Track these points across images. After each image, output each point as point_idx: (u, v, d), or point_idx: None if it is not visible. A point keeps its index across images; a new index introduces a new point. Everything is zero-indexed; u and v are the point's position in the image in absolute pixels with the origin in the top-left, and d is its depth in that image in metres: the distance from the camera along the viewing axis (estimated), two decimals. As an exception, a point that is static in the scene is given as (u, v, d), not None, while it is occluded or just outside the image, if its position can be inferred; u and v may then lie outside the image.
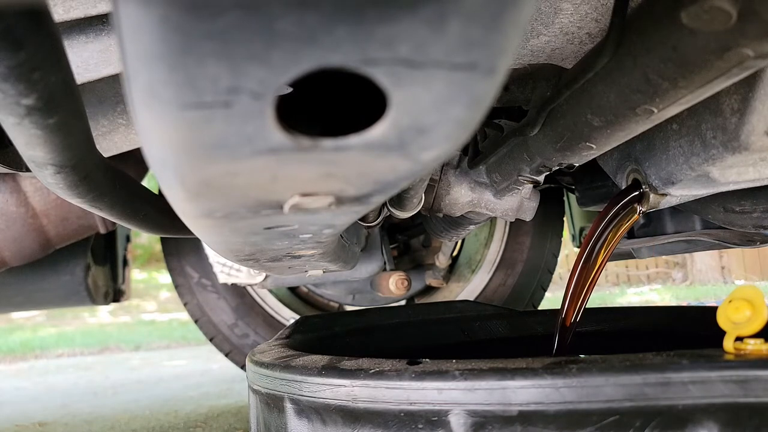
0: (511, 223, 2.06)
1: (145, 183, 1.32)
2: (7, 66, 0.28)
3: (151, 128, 0.23)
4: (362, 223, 1.06)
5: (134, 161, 1.36)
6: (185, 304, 1.97)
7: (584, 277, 0.80)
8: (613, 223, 0.77)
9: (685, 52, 0.42)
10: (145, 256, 8.58)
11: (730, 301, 0.52)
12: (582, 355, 0.54)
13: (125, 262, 1.90)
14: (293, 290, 2.17)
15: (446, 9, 0.19)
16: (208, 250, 1.64)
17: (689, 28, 0.40)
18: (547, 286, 2.11)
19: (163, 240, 1.96)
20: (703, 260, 7.73)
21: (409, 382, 0.53)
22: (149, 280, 8.45)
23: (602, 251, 0.79)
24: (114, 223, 1.42)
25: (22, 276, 1.53)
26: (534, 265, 2.06)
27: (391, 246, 1.94)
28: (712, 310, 0.96)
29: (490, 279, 2.06)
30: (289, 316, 2.01)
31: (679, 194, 0.70)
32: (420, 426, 0.52)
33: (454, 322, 1.11)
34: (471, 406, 0.51)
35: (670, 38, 0.43)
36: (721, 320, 0.52)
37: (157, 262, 8.03)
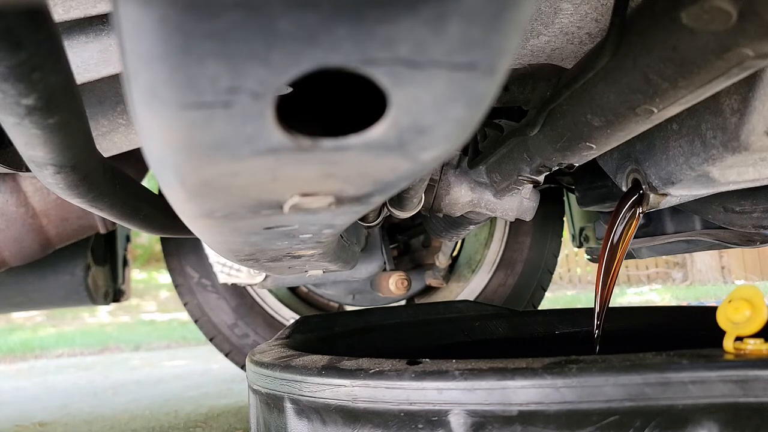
0: (511, 223, 2.06)
1: (145, 183, 1.32)
2: (7, 66, 0.28)
3: (151, 128, 0.23)
4: (362, 223, 1.06)
5: (134, 161, 1.36)
6: (185, 304, 1.97)
7: (605, 281, 0.86)
8: (622, 227, 0.79)
9: (685, 52, 0.42)
10: (145, 256, 8.57)
11: (730, 301, 0.52)
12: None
13: (125, 262, 1.90)
14: (293, 290, 2.17)
15: (446, 9, 0.19)
16: (208, 250, 1.64)
17: (689, 28, 0.40)
18: (547, 286, 2.11)
19: (163, 240, 1.96)
20: (703, 260, 7.72)
21: (409, 382, 0.53)
22: (149, 280, 8.44)
23: (616, 254, 0.83)
24: (114, 223, 1.42)
25: (22, 276, 1.53)
26: (534, 265, 2.06)
27: (391, 246, 1.94)
28: (711, 310, 0.96)
29: (490, 279, 2.06)
30: (289, 316, 2.00)
31: (679, 194, 0.70)
32: (420, 426, 0.52)
33: (454, 322, 1.11)
34: (471, 406, 0.51)
35: (670, 38, 0.43)
36: (721, 320, 0.52)
37: (157, 262, 8.02)
